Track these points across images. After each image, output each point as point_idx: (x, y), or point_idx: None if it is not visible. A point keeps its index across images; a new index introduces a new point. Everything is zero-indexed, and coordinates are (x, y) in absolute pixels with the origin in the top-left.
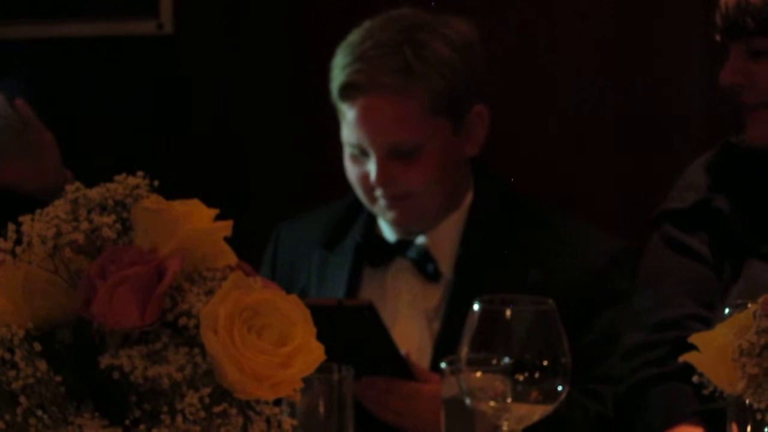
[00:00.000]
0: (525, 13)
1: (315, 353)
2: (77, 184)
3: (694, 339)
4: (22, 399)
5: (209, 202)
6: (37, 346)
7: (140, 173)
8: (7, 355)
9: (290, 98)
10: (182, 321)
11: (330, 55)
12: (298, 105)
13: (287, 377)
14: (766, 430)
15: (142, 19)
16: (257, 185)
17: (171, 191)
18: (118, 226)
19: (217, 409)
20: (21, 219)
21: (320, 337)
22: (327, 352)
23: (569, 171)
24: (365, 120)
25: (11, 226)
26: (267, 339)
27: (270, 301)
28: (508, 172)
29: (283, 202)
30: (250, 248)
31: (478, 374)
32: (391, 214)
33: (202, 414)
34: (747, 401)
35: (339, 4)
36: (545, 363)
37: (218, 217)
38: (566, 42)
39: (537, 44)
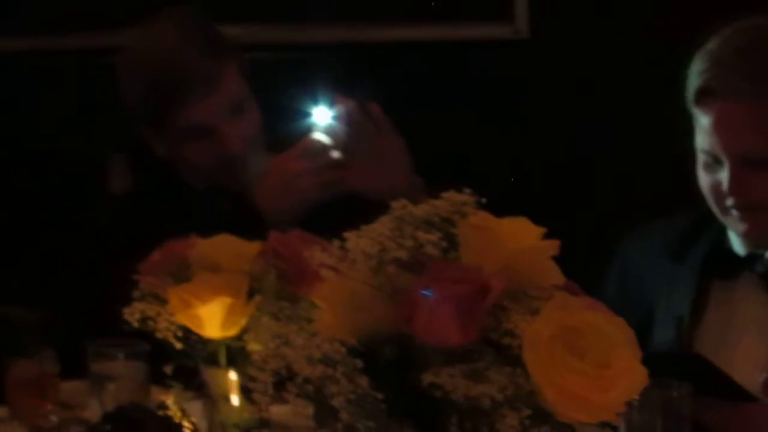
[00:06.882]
0: None
1: (639, 376)
2: (403, 201)
3: None
4: (343, 414)
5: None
6: (359, 363)
7: (467, 190)
8: (330, 371)
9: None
10: (506, 340)
11: None
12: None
13: (608, 401)
14: None
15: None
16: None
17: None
18: (443, 243)
19: None
20: (346, 235)
21: None
22: None
23: None
24: (719, 126)
25: (336, 242)
26: (589, 361)
27: (594, 323)
28: None
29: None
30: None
31: None
32: (742, 226)
33: None
34: None
35: None
36: None
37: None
38: None
39: None
